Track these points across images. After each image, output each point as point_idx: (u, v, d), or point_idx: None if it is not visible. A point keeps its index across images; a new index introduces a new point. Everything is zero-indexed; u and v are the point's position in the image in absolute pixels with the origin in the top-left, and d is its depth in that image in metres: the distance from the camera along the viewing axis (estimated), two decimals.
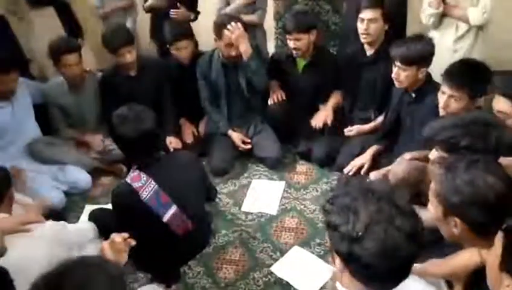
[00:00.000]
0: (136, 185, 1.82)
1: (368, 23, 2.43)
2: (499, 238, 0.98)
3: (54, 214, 2.45)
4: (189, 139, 2.98)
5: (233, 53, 2.63)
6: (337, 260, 0.99)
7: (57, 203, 2.54)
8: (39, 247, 1.56)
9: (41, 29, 3.22)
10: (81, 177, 2.73)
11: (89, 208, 2.51)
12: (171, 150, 2.81)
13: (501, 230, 0.98)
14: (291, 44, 2.65)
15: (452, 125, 1.48)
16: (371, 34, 2.46)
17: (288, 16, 2.75)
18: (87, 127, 2.93)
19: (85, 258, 1.06)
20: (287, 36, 2.66)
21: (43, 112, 2.83)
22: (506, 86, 1.69)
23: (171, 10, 3.18)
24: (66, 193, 2.65)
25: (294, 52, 2.69)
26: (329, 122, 2.76)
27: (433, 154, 1.57)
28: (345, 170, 2.55)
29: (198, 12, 3.36)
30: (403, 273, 0.96)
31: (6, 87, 2.46)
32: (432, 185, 1.24)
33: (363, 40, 2.51)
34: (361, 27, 2.46)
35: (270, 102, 2.86)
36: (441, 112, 1.95)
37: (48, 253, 1.57)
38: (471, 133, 1.42)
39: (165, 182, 1.86)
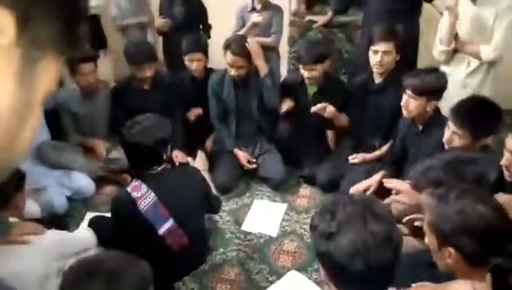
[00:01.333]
0: (135, 194, 1.83)
1: (382, 56, 2.46)
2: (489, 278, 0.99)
3: (55, 218, 2.51)
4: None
5: (232, 73, 2.68)
6: (323, 272, 1.06)
7: (59, 208, 2.56)
8: (36, 258, 1.56)
9: None
10: (85, 183, 2.75)
11: (90, 215, 2.52)
12: (177, 163, 2.84)
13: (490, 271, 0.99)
14: (305, 74, 2.68)
15: (432, 167, 1.50)
16: (384, 65, 2.49)
17: (303, 47, 2.79)
18: (97, 136, 2.97)
19: (119, 252, 1.17)
20: (301, 66, 2.69)
21: (54, 117, 2.88)
22: None
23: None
24: (69, 199, 2.68)
25: (307, 80, 2.73)
26: (326, 112, 2.65)
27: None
28: (351, 190, 2.52)
29: (209, 27, 3.45)
30: (381, 281, 1.01)
31: None
32: (426, 216, 1.25)
33: (375, 70, 2.54)
34: (374, 58, 2.49)
35: (281, 110, 2.86)
36: (446, 147, 1.95)
37: (45, 264, 1.57)
38: (448, 173, 1.45)
39: (165, 195, 1.87)
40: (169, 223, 1.88)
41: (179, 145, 2.92)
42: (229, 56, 2.66)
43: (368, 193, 2.44)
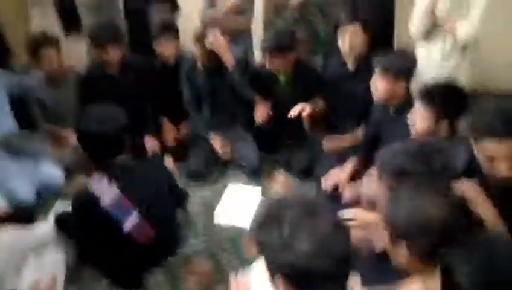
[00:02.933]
0: (96, 189, 1.76)
1: (351, 37, 2.40)
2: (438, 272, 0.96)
3: (23, 209, 2.43)
4: (170, 141, 2.92)
5: (203, 65, 2.62)
6: (280, 285, 0.97)
7: (26, 199, 2.48)
8: None
9: (38, 22, 3.16)
10: (54, 173, 2.67)
11: (59, 205, 2.46)
12: (148, 150, 2.77)
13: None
14: (267, 64, 2.60)
15: (398, 154, 1.45)
16: (353, 47, 2.43)
17: (268, 37, 2.67)
18: (65, 124, 2.86)
19: None
20: (265, 53, 2.60)
21: (21, 106, 2.77)
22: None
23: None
24: (38, 190, 2.60)
25: (271, 69, 2.65)
26: (304, 114, 2.59)
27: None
28: (323, 186, 2.47)
29: (177, 7, 3.33)
30: (343, 274, 0.97)
31: None
32: (380, 210, 1.21)
33: (343, 54, 2.46)
34: (343, 40, 2.40)
35: (257, 120, 2.78)
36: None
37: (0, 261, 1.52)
38: (416, 159, 1.40)
39: (129, 187, 1.80)
40: (133, 216, 1.82)
41: (151, 132, 2.85)
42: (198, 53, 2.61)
43: (341, 184, 2.36)
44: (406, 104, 2.16)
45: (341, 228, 0.96)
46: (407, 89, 2.17)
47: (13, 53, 3.03)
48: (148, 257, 2.01)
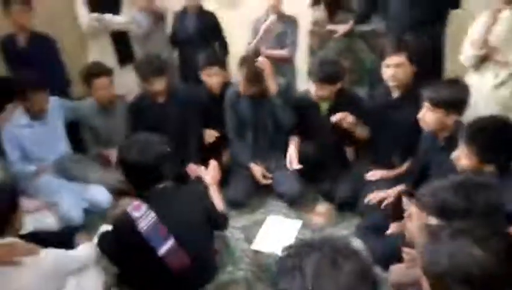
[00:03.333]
0: (135, 214, 1.80)
1: (395, 69, 2.35)
2: None
3: (70, 229, 2.54)
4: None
5: (247, 92, 2.64)
6: None
7: (76, 220, 2.60)
8: (34, 278, 1.55)
9: (95, 53, 3.39)
10: (102, 196, 2.78)
11: (105, 227, 2.55)
12: (192, 177, 2.82)
13: None
14: (313, 91, 2.60)
15: (441, 189, 1.35)
16: (398, 78, 2.38)
17: (315, 63, 2.69)
18: (115, 148, 3.00)
19: None
20: (311, 83, 2.61)
21: (75, 130, 2.95)
22: None
23: None
24: (86, 211, 2.72)
25: (315, 97, 2.64)
26: (346, 121, 2.55)
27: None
28: (366, 199, 2.40)
29: (223, 38, 3.43)
30: None
31: (38, 106, 2.58)
32: (418, 255, 1.13)
33: (390, 84, 2.40)
34: (387, 73, 2.37)
35: (288, 164, 2.76)
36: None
37: (43, 283, 1.56)
38: (457, 195, 1.30)
39: (166, 214, 1.82)
40: (169, 243, 1.83)
41: (194, 159, 2.91)
42: (241, 77, 2.64)
43: (384, 204, 2.31)
44: (457, 134, 2.06)
45: (367, 278, 0.90)
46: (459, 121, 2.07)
47: (71, 82, 3.24)
48: (184, 283, 2.02)
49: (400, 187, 2.35)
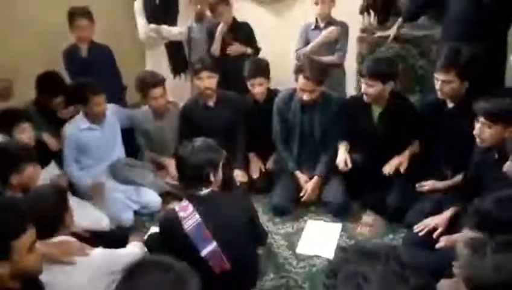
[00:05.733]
0: (181, 214, 1.87)
1: (442, 84, 2.26)
2: None
3: (122, 229, 2.67)
4: (256, 174, 2.99)
5: (304, 97, 2.62)
6: None
7: (126, 221, 2.73)
8: (84, 276, 1.63)
9: (151, 64, 3.57)
10: (152, 199, 2.90)
11: (154, 229, 2.65)
12: (238, 183, 2.87)
13: None
14: (363, 88, 2.55)
15: (494, 201, 1.28)
16: (445, 93, 2.29)
17: (368, 59, 2.66)
18: (167, 153, 3.13)
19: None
20: (361, 78, 2.56)
21: (129, 136, 3.11)
22: None
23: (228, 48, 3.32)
24: (137, 212, 2.85)
25: (364, 96, 2.57)
26: (402, 170, 2.54)
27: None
28: (415, 228, 2.30)
29: (258, 48, 3.44)
30: None
31: (96, 109, 2.75)
32: (460, 268, 1.08)
33: (439, 96, 2.31)
34: (436, 84, 2.29)
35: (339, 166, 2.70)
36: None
37: (93, 282, 1.64)
38: (500, 211, 1.26)
39: (210, 218, 1.87)
40: (211, 246, 1.87)
41: (240, 165, 2.96)
42: (301, 80, 2.61)
43: (436, 234, 2.16)
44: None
45: None
46: None
47: (126, 88, 3.43)
48: (226, 286, 2.05)
49: (450, 211, 2.22)
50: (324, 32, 3.12)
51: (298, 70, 2.64)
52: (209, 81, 2.88)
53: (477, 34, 2.46)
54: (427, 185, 2.43)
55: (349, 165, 2.66)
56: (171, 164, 2.99)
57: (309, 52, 3.06)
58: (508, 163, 1.72)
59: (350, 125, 2.76)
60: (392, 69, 2.57)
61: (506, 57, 2.62)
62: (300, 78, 2.61)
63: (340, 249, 2.30)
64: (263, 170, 3.02)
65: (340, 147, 2.75)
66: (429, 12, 2.91)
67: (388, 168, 2.60)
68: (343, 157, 2.69)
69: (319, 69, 2.66)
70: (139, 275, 1.00)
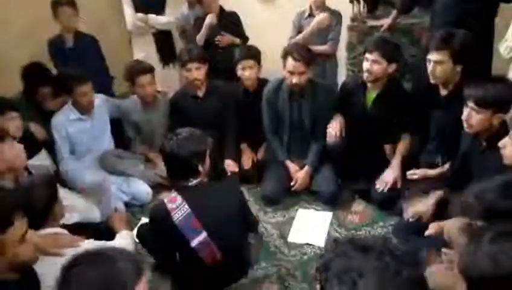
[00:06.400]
0: (170, 205, 1.86)
1: (434, 65, 2.25)
2: None
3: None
4: (247, 164, 2.98)
5: (294, 80, 2.60)
6: None
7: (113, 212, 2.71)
8: None
9: (139, 54, 3.51)
10: (143, 190, 2.89)
11: (144, 220, 2.64)
12: (229, 173, 2.86)
13: None
14: (366, 65, 2.49)
15: (487, 190, 1.29)
16: (437, 76, 2.27)
17: (377, 37, 2.64)
18: (156, 144, 3.10)
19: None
20: (366, 55, 2.49)
21: (118, 126, 3.08)
22: None
23: (217, 37, 3.29)
24: (127, 204, 2.83)
25: (365, 74, 2.53)
26: (398, 185, 2.54)
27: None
28: (405, 216, 2.33)
29: (246, 38, 3.43)
30: None
31: (84, 99, 2.72)
32: (457, 257, 1.08)
33: (431, 81, 2.31)
34: (428, 68, 2.28)
35: (328, 135, 2.70)
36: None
37: None
38: (503, 198, 1.25)
39: (200, 208, 1.87)
40: (201, 236, 1.87)
41: (231, 155, 2.95)
42: (290, 62, 2.58)
43: (425, 218, 2.19)
44: (500, 134, 1.95)
45: (424, 285, 0.88)
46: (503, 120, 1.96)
47: (114, 78, 3.39)
48: (217, 276, 2.05)
49: (437, 194, 2.25)
50: (316, 18, 3.09)
51: (286, 54, 2.61)
52: (197, 72, 2.85)
53: (464, 24, 2.47)
54: (418, 173, 2.44)
55: (337, 136, 2.64)
56: (159, 159, 2.95)
57: (302, 41, 3.04)
58: (506, 139, 1.72)
59: (343, 107, 2.75)
60: (399, 51, 2.57)
61: (493, 46, 2.64)
62: (289, 60, 2.58)
63: (332, 241, 2.31)
64: (255, 161, 3.02)
65: (335, 116, 2.74)
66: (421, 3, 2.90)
67: (380, 184, 2.56)
68: (336, 126, 2.67)
69: (307, 50, 2.64)
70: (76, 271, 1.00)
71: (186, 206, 1.86)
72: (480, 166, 2.05)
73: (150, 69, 2.89)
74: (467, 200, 1.46)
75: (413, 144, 2.63)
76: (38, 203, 1.66)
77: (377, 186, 2.56)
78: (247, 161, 3.00)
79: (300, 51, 2.59)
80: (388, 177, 2.55)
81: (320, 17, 3.05)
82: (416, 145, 2.61)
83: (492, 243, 1.00)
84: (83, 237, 1.74)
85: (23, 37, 3.34)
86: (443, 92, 2.38)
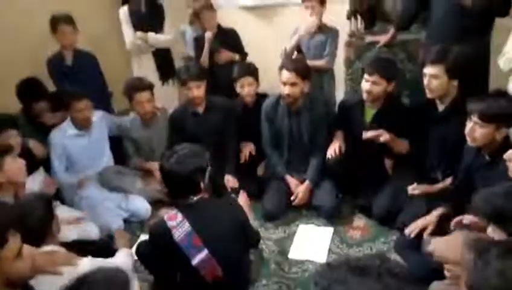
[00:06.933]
0: (171, 223, 1.84)
1: (429, 79, 2.27)
2: None
3: (111, 238, 2.62)
4: (246, 152, 3.01)
5: (286, 91, 2.63)
6: None
7: (115, 229, 2.68)
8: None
9: (138, 72, 3.53)
10: (142, 206, 2.87)
11: (143, 237, 2.62)
12: (229, 189, 2.85)
13: None
14: (366, 86, 2.52)
15: (495, 195, 1.29)
16: (433, 89, 2.29)
17: (375, 57, 2.67)
18: (156, 160, 3.08)
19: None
20: (365, 76, 2.52)
21: (118, 143, 3.07)
22: None
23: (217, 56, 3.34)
24: (126, 221, 2.81)
25: (365, 95, 2.55)
26: (381, 138, 2.51)
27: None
28: (406, 231, 2.30)
29: (245, 54, 3.46)
30: None
31: (82, 115, 2.72)
32: (463, 273, 1.06)
33: (428, 96, 2.33)
34: (424, 81, 2.30)
35: (328, 153, 2.71)
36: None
37: None
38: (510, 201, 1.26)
39: (200, 225, 1.85)
40: (202, 254, 1.85)
41: (231, 171, 2.94)
42: (284, 73, 2.61)
43: (426, 233, 2.17)
44: (503, 148, 1.95)
45: None
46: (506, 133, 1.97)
47: (112, 94, 3.40)
48: None
49: (439, 210, 2.23)
50: (304, 24, 3.05)
51: (281, 66, 2.65)
52: (197, 90, 2.85)
53: (460, 38, 2.50)
54: (419, 188, 2.43)
55: (337, 152, 2.67)
56: (155, 166, 2.91)
57: (293, 48, 3.08)
58: (511, 151, 1.72)
59: (343, 122, 2.77)
60: (396, 68, 2.61)
61: (490, 59, 2.66)
62: (283, 71, 2.62)
63: (327, 266, 2.29)
64: (253, 153, 3.03)
65: (336, 135, 2.76)
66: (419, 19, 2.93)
67: (367, 134, 2.54)
68: (336, 143, 2.70)
69: (301, 62, 2.66)
70: None
71: (187, 224, 1.84)
72: (484, 179, 2.04)
73: (149, 86, 2.90)
74: (474, 204, 1.46)
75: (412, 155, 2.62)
76: (34, 223, 1.65)
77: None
78: (246, 152, 3.02)
79: (294, 63, 2.63)
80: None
81: (308, 21, 3.06)
82: (413, 160, 2.61)
83: (500, 259, 0.99)
84: (80, 255, 1.73)
85: (20, 54, 3.33)
86: (440, 107, 2.40)
